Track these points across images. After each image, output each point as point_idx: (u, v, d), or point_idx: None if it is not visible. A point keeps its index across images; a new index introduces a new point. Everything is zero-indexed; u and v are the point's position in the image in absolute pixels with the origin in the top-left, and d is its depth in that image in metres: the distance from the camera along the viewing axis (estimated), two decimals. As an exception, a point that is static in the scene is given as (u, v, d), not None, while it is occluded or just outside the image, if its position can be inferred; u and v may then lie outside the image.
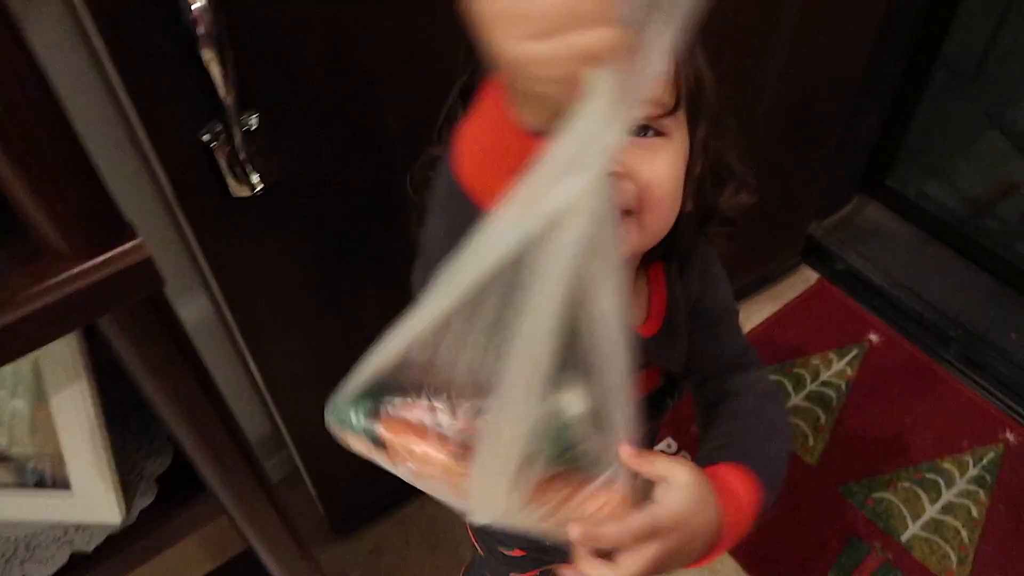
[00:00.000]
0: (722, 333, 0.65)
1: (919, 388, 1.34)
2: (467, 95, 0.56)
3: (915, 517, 1.18)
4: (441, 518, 1.22)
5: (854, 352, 1.39)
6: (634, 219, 0.51)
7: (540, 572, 0.83)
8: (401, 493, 1.23)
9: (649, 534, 0.44)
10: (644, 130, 0.51)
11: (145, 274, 0.47)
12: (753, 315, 1.44)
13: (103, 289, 0.46)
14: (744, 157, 0.60)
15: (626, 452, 0.42)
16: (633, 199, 0.50)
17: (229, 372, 1.11)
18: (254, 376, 0.98)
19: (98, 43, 0.58)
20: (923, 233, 1.59)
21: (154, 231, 0.88)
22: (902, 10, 1.22)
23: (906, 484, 1.22)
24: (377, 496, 1.20)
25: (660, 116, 0.50)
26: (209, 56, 0.54)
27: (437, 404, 0.43)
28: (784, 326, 1.44)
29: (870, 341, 1.41)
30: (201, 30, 0.52)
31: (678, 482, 0.45)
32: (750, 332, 1.41)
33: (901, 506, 1.19)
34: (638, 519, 0.43)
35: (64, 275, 0.45)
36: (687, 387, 0.67)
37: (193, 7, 0.51)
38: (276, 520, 0.73)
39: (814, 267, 1.54)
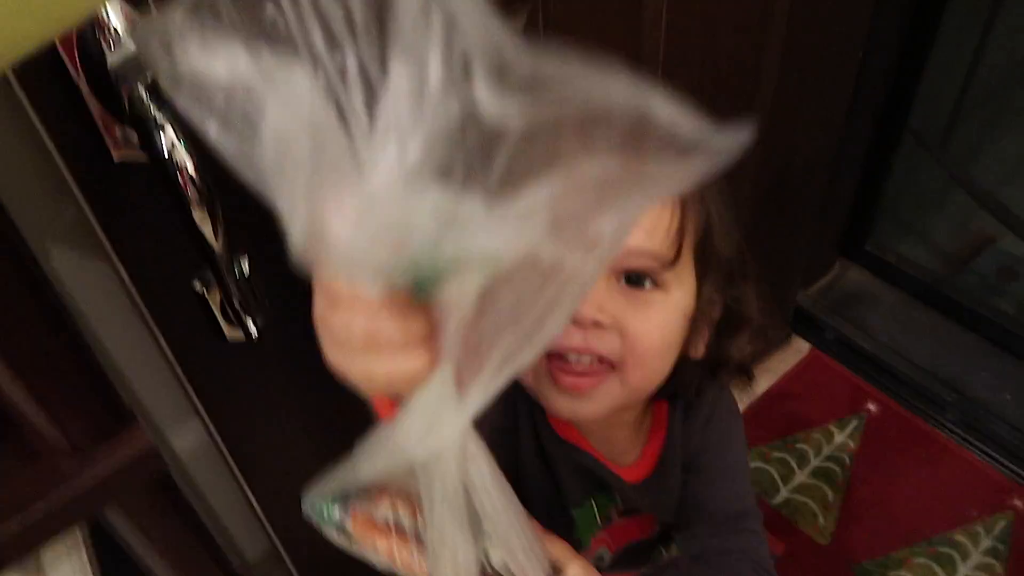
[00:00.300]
0: (717, 487, 0.60)
1: (922, 456, 1.33)
2: None
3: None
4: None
5: (854, 423, 1.38)
6: (617, 374, 0.49)
7: None
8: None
9: None
10: (640, 280, 0.48)
11: (148, 460, 0.46)
12: (749, 390, 1.44)
13: (106, 481, 0.44)
14: (764, 306, 0.57)
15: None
16: (617, 353, 0.48)
17: (227, 493, 1.08)
18: (250, 498, 0.95)
19: (84, 204, 0.57)
20: (906, 295, 1.60)
21: (144, 364, 0.86)
22: (869, 87, 1.26)
23: (921, 560, 1.20)
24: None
25: (656, 270, 0.48)
26: (201, 216, 0.54)
27: (399, 501, 0.44)
28: (781, 400, 1.43)
29: (868, 411, 1.41)
30: (192, 194, 0.52)
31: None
32: (747, 409, 1.40)
33: (918, 584, 1.17)
34: None
35: (67, 471, 0.43)
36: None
37: (182, 173, 0.51)
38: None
39: (805, 337, 1.54)
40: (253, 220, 0.64)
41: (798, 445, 1.35)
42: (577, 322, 0.47)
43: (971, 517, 1.24)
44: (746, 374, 0.58)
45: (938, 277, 1.59)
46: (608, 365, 0.49)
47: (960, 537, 1.22)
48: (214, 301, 0.64)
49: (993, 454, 1.31)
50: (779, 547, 1.21)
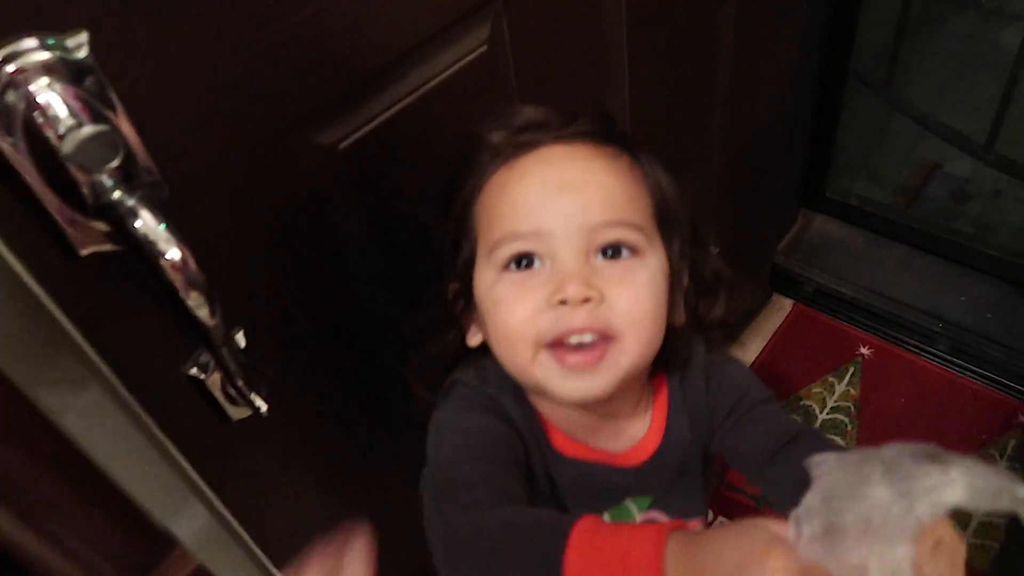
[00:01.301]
0: (754, 428, 0.61)
1: (922, 391, 1.34)
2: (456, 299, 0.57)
3: (963, 525, 1.16)
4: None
5: (851, 370, 1.39)
6: (615, 343, 0.50)
7: None
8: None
9: None
10: (617, 251, 0.50)
11: (193, 585, 0.41)
12: (742, 357, 1.43)
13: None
14: (728, 267, 0.60)
15: None
16: (613, 324, 0.50)
17: (248, 568, 1.02)
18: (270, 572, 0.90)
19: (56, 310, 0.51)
20: (872, 235, 1.62)
21: (130, 453, 0.80)
22: (813, 38, 1.26)
23: (944, 494, 1.20)
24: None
25: (630, 238, 0.50)
26: (194, 299, 0.49)
27: None
28: (775, 361, 1.42)
29: (863, 355, 1.41)
30: (180, 281, 0.47)
31: None
32: (746, 376, 1.40)
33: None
34: None
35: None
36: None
37: (168, 258, 0.46)
38: None
39: (785, 294, 1.55)
40: (245, 288, 0.60)
41: (802, 403, 1.35)
42: (570, 302, 0.48)
43: (981, 441, 1.26)
44: (725, 332, 0.61)
45: (898, 211, 1.61)
46: (607, 339, 0.50)
47: (976, 464, 1.24)
48: (214, 383, 0.59)
49: (992, 375, 1.33)
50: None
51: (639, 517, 0.60)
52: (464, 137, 0.54)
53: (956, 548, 0.41)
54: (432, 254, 0.68)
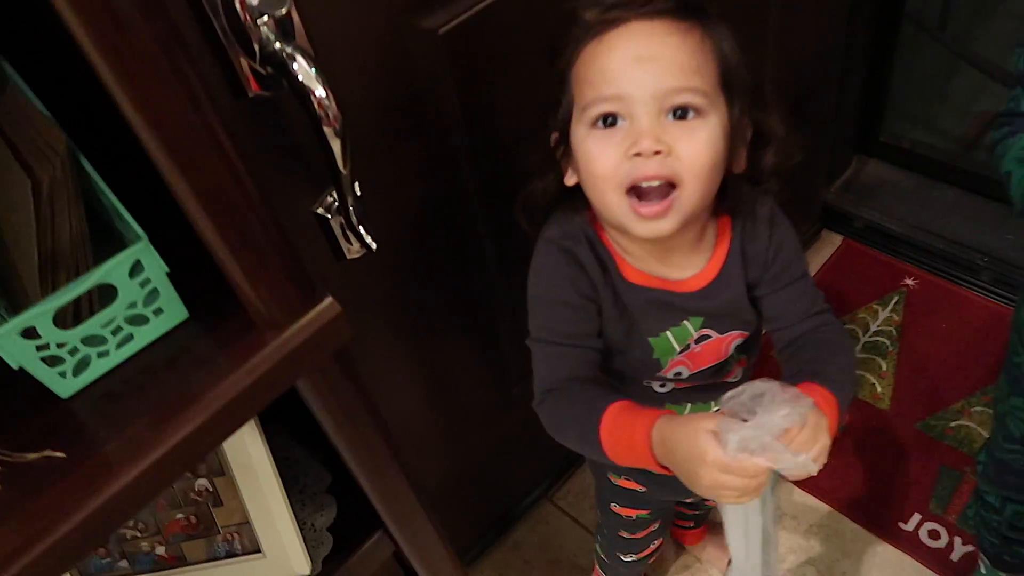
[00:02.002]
0: (799, 288, 0.74)
1: (964, 317, 1.41)
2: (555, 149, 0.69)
3: (994, 436, 1.24)
4: (551, 535, 1.27)
5: (895, 299, 1.46)
6: (679, 190, 0.62)
7: (651, 514, 0.95)
8: (507, 519, 1.28)
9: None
10: (683, 112, 0.61)
11: (338, 328, 0.54)
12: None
13: (307, 346, 0.53)
14: (787, 120, 0.69)
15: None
16: (678, 173, 0.61)
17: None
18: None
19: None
20: (924, 178, 1.67)
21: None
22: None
23: (978, 408, 1.28)
24: (484, 525, 1.25)
25: (696, 102, 0.60)
26: (331, 135, 0.62)
27: None
28: (823, 289, 1.49)
29: (907, 285, 1.48)
30: (324, 115, 0.60)
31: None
32: (792, 302, 1.48)
33: (979, 429, 1.25)
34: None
35: (277, 340, 0.52)
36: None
37: (318, 95, 0.59)
38: (440, 549, 0.79)
39: (835, 230, 1.62)
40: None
41: (847, 326, 1.44)
42: (643, 154, 0.60)
43: (1018, 364, 1.32)
44: (781, 177, 0.70)
45: (951, 156, 1.65)
46: (671, 185, 0.61)
47: (1011, 382, 1.30)
48: (336, 222, 0.73)
49: (1030, 302, 1.38)
50: (847, 417, 1.30)
51: (695, 333, 0.73)
52: (564, 12, 0.65)
53: (818, 422, 0.57)
54: (511, 134, 0.80)
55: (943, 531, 1.17)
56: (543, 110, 0.68)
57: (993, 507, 0.97)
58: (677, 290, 0.71)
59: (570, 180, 0.68)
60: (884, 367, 1.37)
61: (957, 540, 1.16)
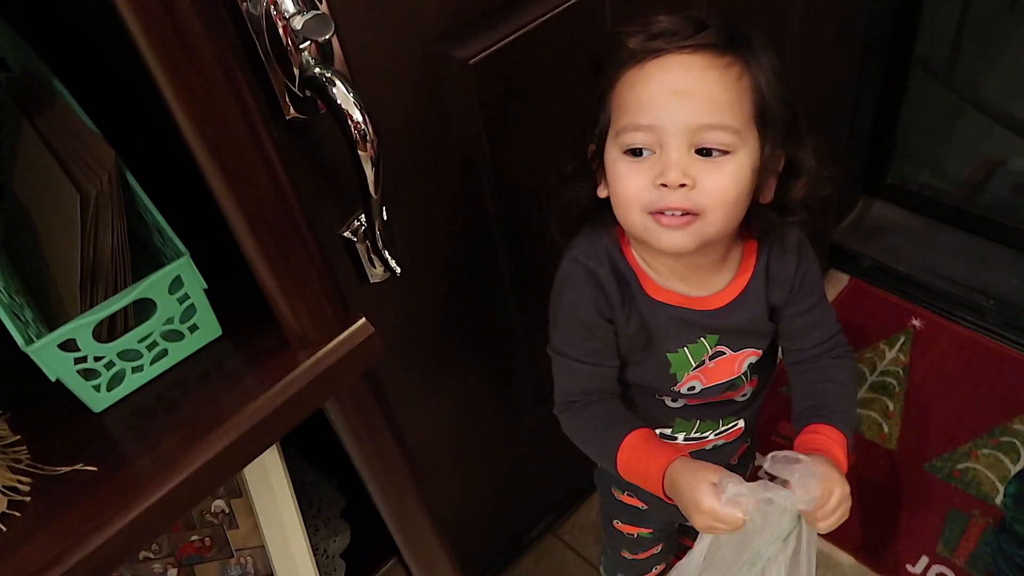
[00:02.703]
0: (817, 314, 0.77)
1: (971, 359, 1.42)
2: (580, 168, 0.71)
3: (1002, 479, 1.23)
4: (555, 569, 1.26)
5: (902, 339, 1.47)
6: (699, 219, 0.64)
7: (653, 533, 0.98)
8: (512, 551, 1.27)
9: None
10: (708, 152, 0.63)
11: (371, 348, 0.55)
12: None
13: (340, 367, 0.53)
14: (821, 153, 0.71)
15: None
16: (701, 205, 0.63)
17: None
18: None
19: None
20: (931, 220, 1.69)
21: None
22: (878, 24, 1.35)
23: (985, 451, 1.28)
24: (489, 558, 1.24)
25: (724, 141, 0.62)
26: (369, 160, 0.62)
27: None
28: (830, 328, 1.51)
29: (914, 326, 1.49)
30: (359, 138, 0.61)
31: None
32: (800, 339, 1.48)
33: (987, 472, 1.25)
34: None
35: (311, 360, 0.52)
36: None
37: (355, 119, 0.60)
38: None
39: (842, 269, 1.63)
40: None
41: (853, 365, 1.44)
42: (669, 185, 0.62)
43: (1025, 407, 1.33)
44: (808, 209, 0.71)
45: (958, 199, 1.67)
46: (694, 215, 0.64)
47: (1018, 425, 1.30)
48: (362, 247, 0.73)
49: (1036, 347, 1.39)
50: (852, 457, 1.29)
51: (710, 350, 0.74)
52: (611, 35, 0.67)
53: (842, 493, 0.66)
54: (535, 165, 0.81)
55: (951, 574, 1.16)
56: (575, 128, 0.71)
57: (1018, 539, 0.96)
58: (697, 307, 0.72)
59: (603, 192, 0.70)
60: (891, 407, 1.37)
61: (965, 584, 1.15)
